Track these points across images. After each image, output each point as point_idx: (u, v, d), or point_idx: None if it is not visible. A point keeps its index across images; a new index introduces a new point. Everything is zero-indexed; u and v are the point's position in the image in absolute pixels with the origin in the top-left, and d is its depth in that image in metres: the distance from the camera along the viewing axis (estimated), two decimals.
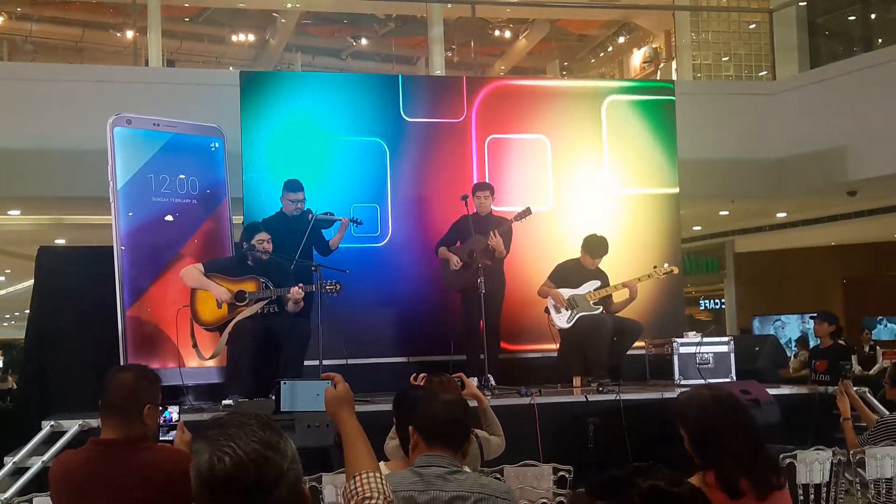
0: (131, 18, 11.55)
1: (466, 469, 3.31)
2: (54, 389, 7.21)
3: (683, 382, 7.64)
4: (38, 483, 5.60)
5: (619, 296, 8.20)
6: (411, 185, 8.94)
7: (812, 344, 10.84)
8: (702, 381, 7.25)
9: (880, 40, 12.76)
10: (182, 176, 7.77)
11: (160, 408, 3.36)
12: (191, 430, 3.33)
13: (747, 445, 2.97)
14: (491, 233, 7.90)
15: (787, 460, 5.33)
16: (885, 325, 16.37)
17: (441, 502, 3.05)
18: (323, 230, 7.88)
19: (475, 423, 4.89)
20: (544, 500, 5.05)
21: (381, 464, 3.86)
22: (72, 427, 6.04)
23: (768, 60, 12.69)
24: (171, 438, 3.68)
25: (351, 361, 8.13)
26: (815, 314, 9.56)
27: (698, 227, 15.66)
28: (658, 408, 6.86)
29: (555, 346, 8.19)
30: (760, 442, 3.05)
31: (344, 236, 7.88)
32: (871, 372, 12.80)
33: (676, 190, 9.43)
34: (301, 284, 7.01)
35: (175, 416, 4.09)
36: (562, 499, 5.00)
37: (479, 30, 14.15)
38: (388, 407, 4.46)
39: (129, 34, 13.06)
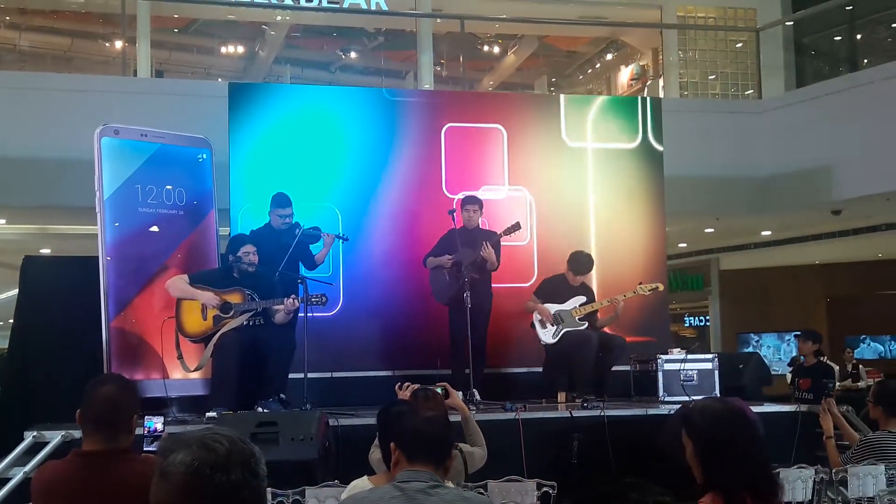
0: (120, 29, 11.54)
1: (449, 484, 3.31)
2: (37, 399, 7.17)
3: (668, 399, 7.66)
4: (20, 494, 5.57)
5: (604, 312, 8.22)
6: (398, 197, 8.95)
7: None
8: (709, 397, 7.25)
9: (866, 60, 12.87)
10: (169, 187, 7.76)
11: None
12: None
13: (755, 462, 2.94)
14: (483, 244, 7.91)
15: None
16: (869, 344, 16.45)
17: None
18: (310, 245, 7.89)
19: (458, 436, 4.89)
20: None
21: (365, 478, 3.88)
22: (54, 438, 6.02)
23: (755, 79, 12.77)
24: (153, 449, 3.67)
25: (336, 375, 8.15)
26: (798, 332, 9.61)
27: (684, 245, 15.72)
28: (642, 424, 6.88)
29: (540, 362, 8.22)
30: (767, 459, 3.03)
31: (330, 250, 7.90)
32: (859, 384, 12.86)
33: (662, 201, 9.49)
34: (294, 296, 7.01)
35: (159, 427, 4.09)
36: None
37: (468, 45, 14.19)
38: (373, 420, 4.46)
39: (118, 44, 13.04)
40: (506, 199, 9.09)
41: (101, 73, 14.83)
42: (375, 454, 4.40)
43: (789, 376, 12.31)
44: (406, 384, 4.98)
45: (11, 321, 8.12)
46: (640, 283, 8.30)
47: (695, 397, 7.04)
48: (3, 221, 11.60)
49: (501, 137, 9.20)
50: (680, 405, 6.41)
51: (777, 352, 16.16)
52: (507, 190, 9.13)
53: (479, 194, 8.54)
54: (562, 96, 10.38)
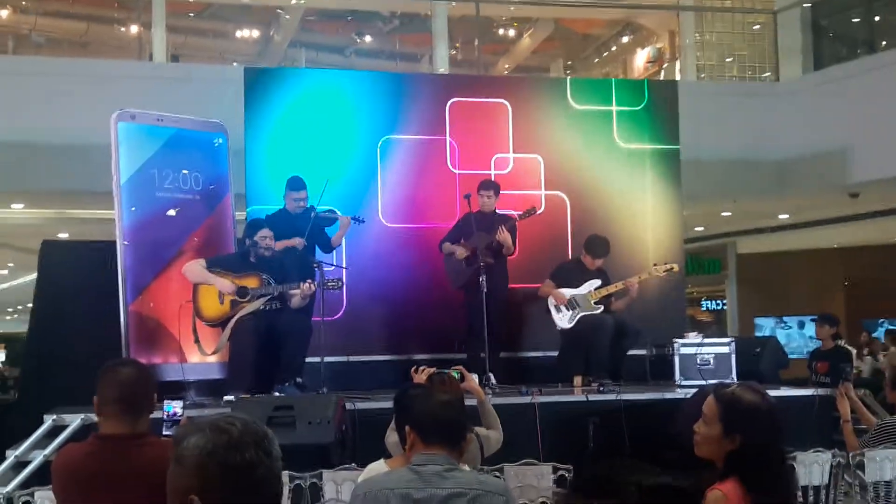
0: (136, 13, 11.57)
1: (465, 467, 3.33)
2: (56, 383, 7.22)
3: (684, 383, 7.65)
4: (40, 477, 5.61)
5: (618, 295, 8.21)
6: (412, 181, 8.95)
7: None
8: (746, 385, 7.21)
9: (884, 43, 12.76)
10: (185, 171, 7.78)
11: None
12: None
13: (781, 457, 2.96)
14: (499, 228, 7.90)
15: (787, 462, 5.34)
16: (887, 328, 16.36)
17: (438, 499, 3.06)
18: (325, 228, 7.90)
19: (474, 419, 4.91)
20: (544, 499, 5.06)
21: (382, 461, 3.90)
22: (74, 421, 6.07)
23: (772, 62, 12.69)
24: (172, 433, 3.69)
25: (352, 358, 8.17)
26: (816, 316, 9.57)
27: (700, 228, 15.66)
28: (659, 408, 6.88)
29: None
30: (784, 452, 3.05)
31: (346, 233, 7.92)
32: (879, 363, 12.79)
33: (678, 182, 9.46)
34: (310, 280, 7.04)
35: (178, 411, 4.11)
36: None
37: (484, 28, 14.16)
38: (389, 404, 4.48)
39: (134, 29, 13.08)
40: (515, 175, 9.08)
41: (116, 57, 14.89)
42: (392, 437, 4.42)
43: None
44: (422, 368, 4.99)
45: (30, 305, 8.18)
46: (655, 264, 8.29)
47: (711, 381, 7.04)
48: (22, 206, 11.67)
49: (507, 114, 9.19)
50: (697, 391, 6.43)
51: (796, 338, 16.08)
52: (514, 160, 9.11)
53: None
54: (568, 80, 10.33)
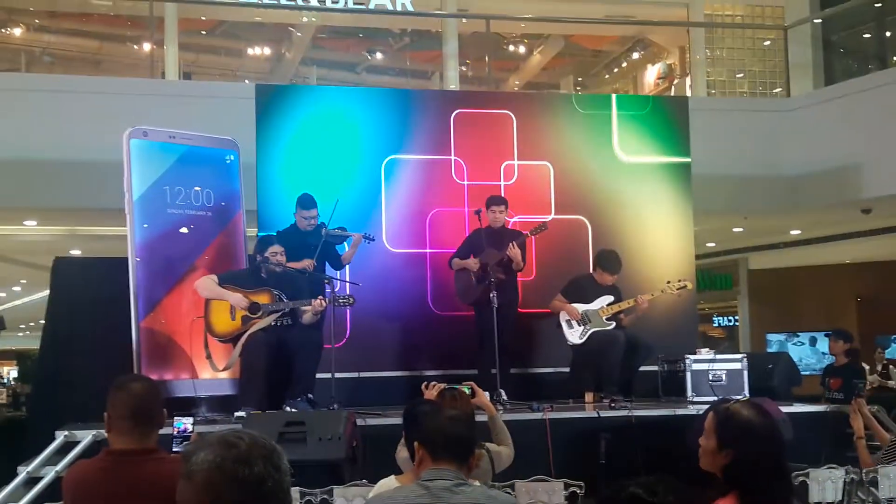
0: (148, 31, 11.61)
1: (475, 483, 3.32)
2: (68, 399, 7.24)
3: (696, 399, 7.62)
4: (51, 493, 5.62)
5: (628, 311, 8.19)
6: (422, 198, 8.96)
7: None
8: (744, 400, 7.20)
9: (895, 58, 12.74)
10: (197, 188, 7.81)
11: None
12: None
13: (782, 472, 2.95)
14: (510, 244, 7.91)
15: (800, 478, 5.32)
16: None
17: None
18: (336, 245, 7.92)
19: (485, 435, 4.90)
20: None
21: (392, 478, 3.89)
22: (85, 437, 6.08)
23: (783, 77, 12.69)
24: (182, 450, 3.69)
25: (363, 374, 8.17)
26: (829, 332, 9.53)
27: (712, 244, 15.62)
28: (671, 424, 6.85)
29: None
30: (788, 467, 3.05)
31: (356, 250, 7.93)
32: (889, 383, 12.72)
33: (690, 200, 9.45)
34: (321, 297, 7.05)
35: (189, 427, 4.12)
36: None
37: (494, 45, 14.19)
38: (399, 420, 4.47)
39: (147, 47, 13.12)
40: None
41: (129, 75, 14.97)
42: (402, 453, 4.42)
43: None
44: (433, 383, 4.99)
45: (43, 322, 8.21)
46: (668, 282, 8.27)
47: (725, 397, 7.01)
48: (34, 223, 11.72)
49: (513, 126, 9.21)
50: (709, 406, 6.40)
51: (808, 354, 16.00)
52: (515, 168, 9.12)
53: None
54: (572, 96, 10.34)
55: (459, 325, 8.48)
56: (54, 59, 16.20)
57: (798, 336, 16.23)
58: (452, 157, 9.01)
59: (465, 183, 8.97)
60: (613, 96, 10.07)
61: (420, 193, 8.97)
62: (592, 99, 9.95)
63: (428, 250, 8.84)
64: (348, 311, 7.70)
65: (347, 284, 7.77)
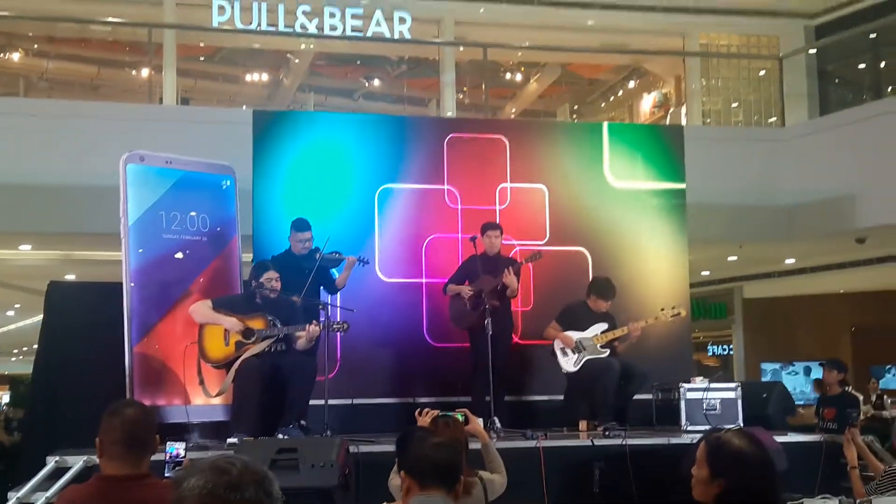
0: (147, 57, 11.69)
1: None
2: (60, 424, 7.21)
3: (690, 428, 7.60)
4: None
5: (622, 338, 8.19)
6: (417, 224, 8.98)
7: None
8: (736, 429, 7.19)
9: (890, 88, 12.84)
10: (193, 213, 7.82)
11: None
12: None
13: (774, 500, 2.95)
14: (505, 270, 7.91)
15: None
16: (894, 375, 16.25)
17: None
18: (330, 269, 7.92)
19: (478, 463, 4.88)
20: None
21: None
22: (76, 463, 6.04)
23: (778, 107, 12.77)
24: (173, 476, 3.68)
25: (357, 401, 8.14)
26: (823, 361, 9.53)
27: (706, 272, 15.64)
28: (665, 453, 6.83)
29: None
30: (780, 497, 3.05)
31: (350, 274, 7.90)
32: (884, 414, 12.68)
33: (684, 228, 9.47)
34: (315, 322, 7.03)
35: (181, 452, 4.10)
36: None
37: (491, 73, 14.26)
38: (392, 447, 4.46)
39: (145, 72, 13.20)
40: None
41: (127, 100, 15.01)
42: (395, 481, 4.40)
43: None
44: (426, 410, 4.98)
45: (36, 346, 8.18)
46: (662, 309, 8.27)
47: (717, 426, 6.99)
48: (29, 247, 11.72)
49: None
50: (703, 435, 6.39)
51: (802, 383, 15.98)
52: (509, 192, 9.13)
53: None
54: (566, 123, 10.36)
55: (454, 355, 8.47)
56: (51, 84, 16.26)
57: (793, 365, 16.21)
58: (445, 187, 9.01)
59: (459, 207, 8.97)
60: (605, 124, 9.99)
61: (416, 220, 8.97)
62: (587, 127, 9.91)
63: (424, 280, 8.81)
64: (339, 340, 7.62)
65: (339, 310, 7.75)
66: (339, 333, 7.26)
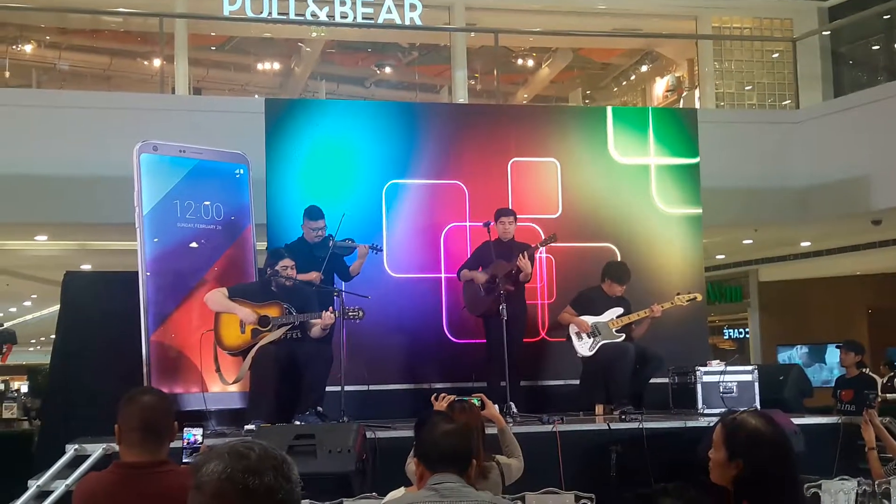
0: (158, 47, 11.68)
1: (484, 495, 3.34)
2: (78, 413, 7.26)
3: (707, 411, 7.59)
4: None
5: (638, 322, 8.18)
6: (431, 211, 8.97)
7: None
8: (753, 411, 7.17)
9: None
10: (207, 202, 7.84)
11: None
12: None
13: (793, 484, 2.94)
14: (519, 255, 7.90)
15: (813, 490, 5.29)
16: None
17: None
18: (344, 256, 7.92)
19: (494, 446, 4.89)
20: None
21: (402, 489, 3.89)
22: (95, 451, 6.08)
23: (791, 89, 12.68)
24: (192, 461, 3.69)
25: (372, 387, 8.16)
26: (840, 343, 9.50)
27: (722, 256, 15.59)
28: (681, 436, 6.83)
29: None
30: (799, 480, 3.04)
31: (364, 262, 7.91)
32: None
33: (699, 211, 9.43)
34: (331, 309, 7.05)
35: (198, 439, 4.11)
36: None
37: (502, 58, 14.19)
38: (409, 433, 4.47)
39: (157, 62, 13.19)
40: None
41: (139, 90, 15.04)
42: (412, 466, 4.41)
43: None
44: (442, 395, 4.99)
45: (53, 336, 8.23)
46: (678, 294, 8.25)
47: (733, 409, 6.97)
48: (45, 238, 11.76)
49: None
50: (720, 417, 6.38)
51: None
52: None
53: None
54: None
55: (469, 337, 8.50)
56: (65, 75, 16.29)
57: (813, 347, 16.17)
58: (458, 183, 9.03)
59: (467, 194, 8.95)
60: (609, 108, 9.96)
61: (429, 210, 8.97)
62: (621, 117, 9.81)
63: (442, 275, 8.81)
64: (344, 332, 7.59)
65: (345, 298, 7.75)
66: (354, 321, 7.27)
